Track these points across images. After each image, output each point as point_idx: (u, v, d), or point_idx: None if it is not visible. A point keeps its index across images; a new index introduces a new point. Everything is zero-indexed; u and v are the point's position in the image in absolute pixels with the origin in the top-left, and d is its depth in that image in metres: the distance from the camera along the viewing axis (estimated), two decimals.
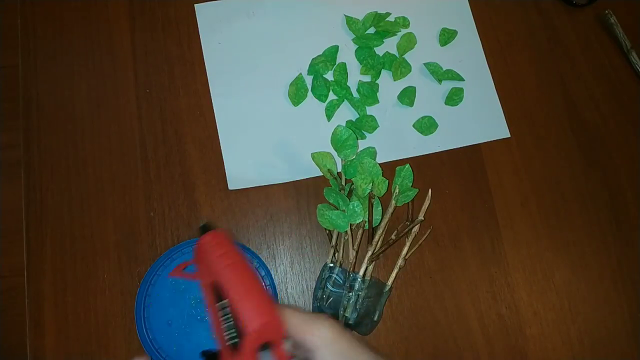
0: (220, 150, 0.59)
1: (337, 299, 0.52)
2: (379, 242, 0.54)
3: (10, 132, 0.59)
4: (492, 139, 0.61)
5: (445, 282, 0.57)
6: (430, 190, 0.56)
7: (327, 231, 0.56)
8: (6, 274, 0.56)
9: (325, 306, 0.53)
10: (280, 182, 0.59)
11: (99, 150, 0.59)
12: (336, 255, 0.54)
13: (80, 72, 0.61)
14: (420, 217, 0.54)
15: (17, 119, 0.59)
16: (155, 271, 0.54)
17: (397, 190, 0.54)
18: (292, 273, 0.57)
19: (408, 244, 0.55)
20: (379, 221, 0.55)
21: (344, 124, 0.60)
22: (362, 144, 0.60)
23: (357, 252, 0.53)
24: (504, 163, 0.61)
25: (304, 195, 0.59)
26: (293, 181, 0.59)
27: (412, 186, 0.56)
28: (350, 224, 0.54)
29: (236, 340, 0.35)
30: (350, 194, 0.55)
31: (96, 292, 0.55)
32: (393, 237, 0.55)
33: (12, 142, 0.59)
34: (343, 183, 0.56)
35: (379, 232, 0.54)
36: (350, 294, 0.52)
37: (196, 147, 0.59)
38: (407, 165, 0.56)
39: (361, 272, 0.53)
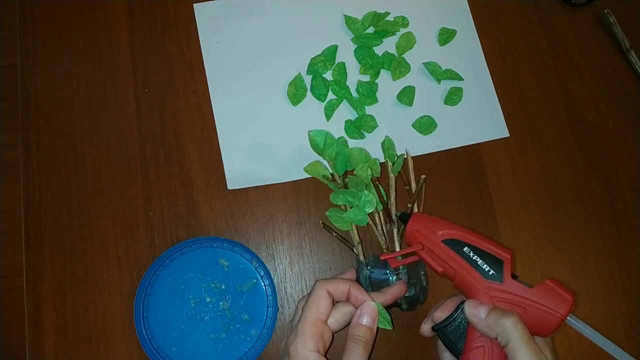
0: (219, 149, 0.59)
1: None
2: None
3: (9, 132, 0.59)
4: (491, 139, 0.61)
5: (444, 281, 0.57)
6: (406, 150, 0.57)
7: (335, 234, 0.55)
8: (5, 274, 0.56)
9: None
10: (279, 181, 0.59)
11: (97, 150, 0.59)
12: (362, 249, 0.54)
13: (79, 72, 0.61)
14: (421, 176, 0.54)
15: (15, 118, 0.59)
16: (154, 271, 0.54)
17: (389, 163, 0.55)
18: (292, 273, 0.57)
19: (416, 204, 0.55)
20: (387, 199, 0.55)
21: (343, 124, 0.60)
22: (361, 144, 0.60)
23: (384, 236, 0.54)
24: (503, 162, 0.61)
25: (303, 195, 0.59)
26: (292, 181, 0.59)
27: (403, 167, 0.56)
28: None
29: (492, 271, 0.43)
30: (347, 188, 0.55)
31: (95, 291, 0.55)
32: (409, 205, 0.55)
33: (10, 141, 0.59)
34: (340, 181, 0.56)
35: (394, 207, 0.54)
36: (397, 275, 0.52)
37: (195, 147, 0.59)
38: (386, 137, 0.57)
39: (397, 249, 0.53)
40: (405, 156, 0.57)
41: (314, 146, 0.56)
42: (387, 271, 0.52)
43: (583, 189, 0.61)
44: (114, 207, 0.57)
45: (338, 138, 0.58)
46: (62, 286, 0.55)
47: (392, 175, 0.55)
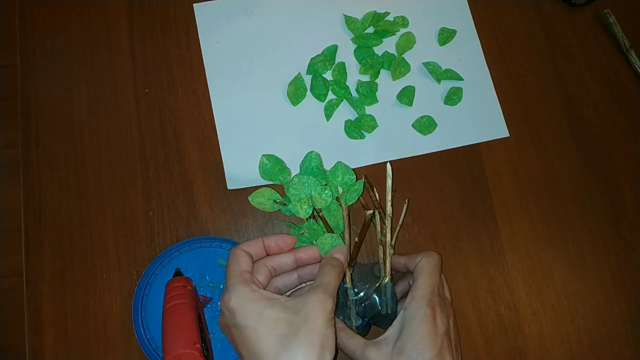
0: (219, 149, 0.59)
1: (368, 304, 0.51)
2: (350, 248, 0.51)
3: (9, 132, 0.59)
4: (491, 139, 0.61)
5: None
6: (388, 164, 0.52)
7: None
8: (5, 274, 0.56)
9: (361, 324, 0.51)
10: (279, 181, 0.58)
11: (97, 150, 0.59)
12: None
13: (79, 72, 0.61)
14: (369, 211, 0.49)
15: (15, 118, 0.59)
16: (153, 270, 0.54)
17: (340, 190, 0.52)
18: None
19: (388, 230, 0.52)
20: (342, 228, 0.52)
21: (343, 124, 0.60)
22: (361, 144, 0.60)
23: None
24: (503, 163, 0.61)
25: None
26: None
27: (394, 185, 0.52)
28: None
29: None
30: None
31: (95, 291, 0.55)
32: (356, 239, 0.50)
33: (10, 141, 0.59)
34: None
35: (348, 237, 0.52)
36: (349, 302, 0.51)
37: (195, 147, 0.59)
38: (338, 163, 0.54)
39: (347, 280, 0.51)
40: (388, 174, 0.52)
41: (264, 172, 0.55)
42: (374, 294, 0.51)
43: (583, 189, 0.61)
44: (114, 207, 0.57)
45: (309, 152, 0.55)
46: (61, 286, 0.55)
47: (343, 205, 0.51)
